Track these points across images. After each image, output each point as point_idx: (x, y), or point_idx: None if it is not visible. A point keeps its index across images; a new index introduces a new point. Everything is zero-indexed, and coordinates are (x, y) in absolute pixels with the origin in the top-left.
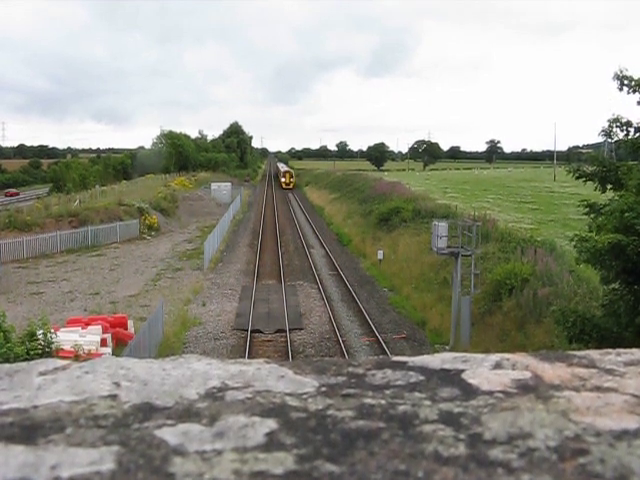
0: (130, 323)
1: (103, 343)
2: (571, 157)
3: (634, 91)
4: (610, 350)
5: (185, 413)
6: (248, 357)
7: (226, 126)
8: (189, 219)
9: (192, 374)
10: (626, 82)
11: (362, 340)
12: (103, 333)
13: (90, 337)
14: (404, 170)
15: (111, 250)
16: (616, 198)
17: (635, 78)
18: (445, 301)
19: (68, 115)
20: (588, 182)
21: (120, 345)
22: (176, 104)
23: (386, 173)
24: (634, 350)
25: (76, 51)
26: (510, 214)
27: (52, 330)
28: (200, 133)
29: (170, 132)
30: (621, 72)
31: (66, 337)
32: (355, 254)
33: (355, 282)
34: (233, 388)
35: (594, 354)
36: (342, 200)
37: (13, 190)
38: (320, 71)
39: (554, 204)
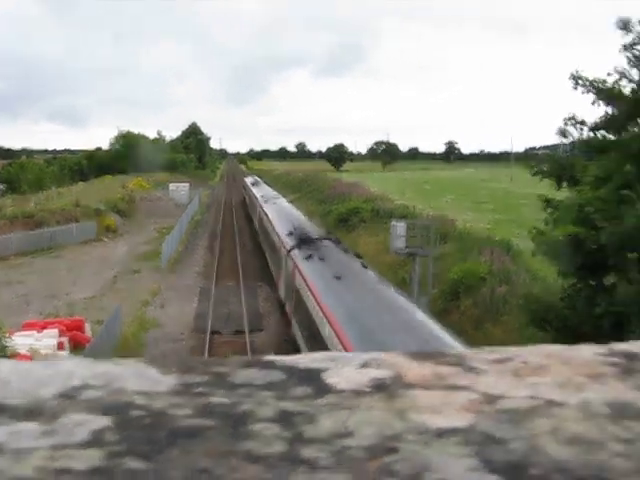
0: (87, 326)
1: (60, 347)
2: (528, 158)
3: (588, 91)
4: (486, 348)
5: (30, 412)
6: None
7: (185, 127)
8: (147, 220)
9: (56, 374)
10: (580, 82)
11: None
12: (60, 337)
13: (46, 341)
14: (363, 171)
15: (68, 252)
16: (573, 192)
17: (590, 78)
18: None
19: (22, 115)
20: (544, 180)
21: (78, 348)
22: (134, 104)
23: (345, 174)
24: (509, 348)
25: (27, 49)
26: (468, 214)
27: (7, 334)
28: (159, 134)
29: (128, 132)
30: (577, 72)
31: (22, 341)
32: None
33: None
34: (91, 387)
35: (468, 352)
36: (302, 200)
37: None
38: (277, 71)
39: (511, 204)
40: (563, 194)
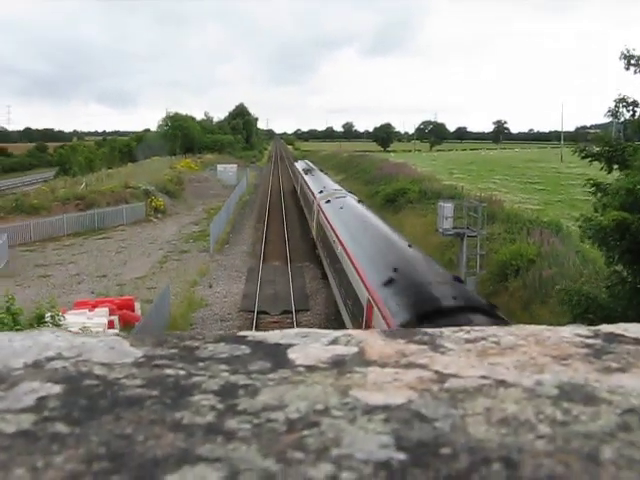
0: (137, 305)
1: (110, 325)
2: (578, 137)
3: None
4: (466, 328)
5: None
6: None
7: (232, 107)
8: (195, 201)
9: (33, 345)
10: (633, 62)
11: None
12: (110, 315)
13: (97, 319)
14: (410, 151)
15: (118, 233)
16: (622, 176)
17: None
18: None
19: (73, 98)
20: (594, 162)
21: (128, 327)
22: (181, 85)
23: (392, 154)
24: (488, 328)
25: (78, 33)
26: (516, 195)
27: (60, 313)
28: (206, 115)
29: (176, 114)
30: (628, 52)
31: (74, 319)
32: None
33: None
34: (62, 358)
35: (445, 332)
36: (348, 181)
37: None
38: (325, 50)
39: (561, 185)
40: (615, 176)
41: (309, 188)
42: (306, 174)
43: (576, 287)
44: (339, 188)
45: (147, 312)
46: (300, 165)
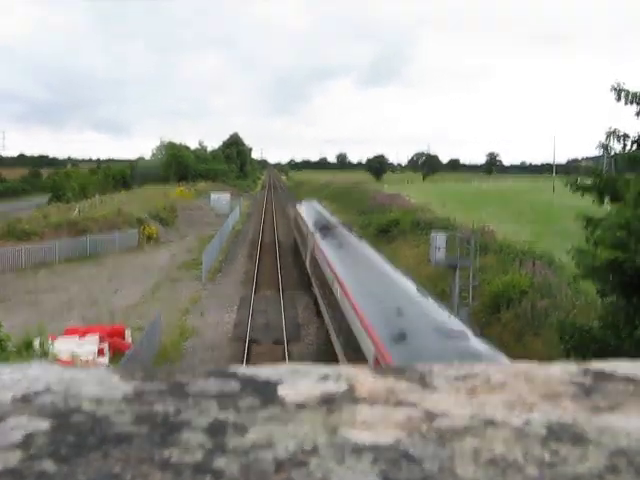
0: (128, 333)
1: (100, 353)
2: (570, 169)
3: (631, 102)
4: (456, 364)
5: None
6: None
7: (226, 136)
8: (188, 229)
9: (22, 378)
10: (623, 94)
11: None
12: (100, 343)
13: (87, 347)
14: (404, 182)
15: (110, 260)
16: (614, 212)
17: (632, 91)
18: None
19: (68, 125)
20: (586, 195)
21: (118, 355)
22: (176, 114)
23: (386, 185)
24: (478, 365)
25: (74, 60)
26: (509, 226)
27: (49, 339)
28: (200, 144)
29: (170, 143)
30: (618, 85)
31: (63, 347)
32: None
33: None
34: (50, 392)
35: (436, 368)
36: (342, 211)
37: None
38: (319, 81)
39: (553, 216)
40: (606, 209)
41: (349, 299)
42: (324, 237)
43: (570, 320)
44: (458, 324)
45: (138, 340)
46: (307, 211)
